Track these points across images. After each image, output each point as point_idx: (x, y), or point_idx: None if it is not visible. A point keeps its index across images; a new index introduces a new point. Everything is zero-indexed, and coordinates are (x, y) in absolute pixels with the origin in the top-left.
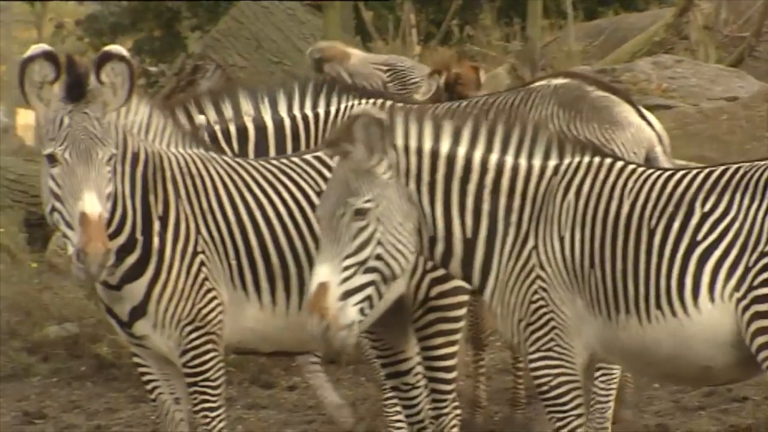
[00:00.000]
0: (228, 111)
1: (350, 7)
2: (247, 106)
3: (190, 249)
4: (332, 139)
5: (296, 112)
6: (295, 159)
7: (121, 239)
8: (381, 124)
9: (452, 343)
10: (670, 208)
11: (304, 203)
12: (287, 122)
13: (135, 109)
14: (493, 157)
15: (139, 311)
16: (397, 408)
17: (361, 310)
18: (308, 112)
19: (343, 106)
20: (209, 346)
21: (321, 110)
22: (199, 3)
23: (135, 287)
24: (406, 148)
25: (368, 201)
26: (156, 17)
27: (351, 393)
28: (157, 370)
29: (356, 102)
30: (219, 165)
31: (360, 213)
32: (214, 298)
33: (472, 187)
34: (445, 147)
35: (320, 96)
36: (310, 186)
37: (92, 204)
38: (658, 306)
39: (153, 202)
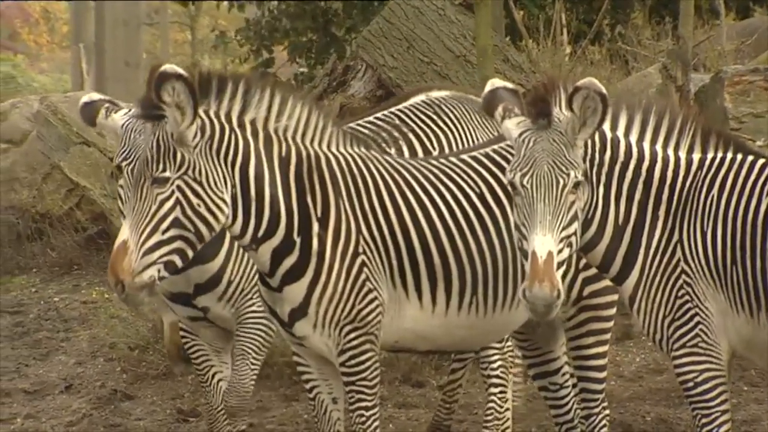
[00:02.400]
0: None
1: (501, 6)
2: None
3: (350, 250)
4: (543, 106)
5: None
6: (456, 159)
7: (275, 241)
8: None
9: (603, 343)
10: None
11: (466, 204)
12: None
13: (290, 112)
14: (647, 146)
15: (299, 312)
16: None
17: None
18: None
19: None
20: (367, 347)
21: None
22: (353, 4)
23: (295, 289)
24: None
25: (582, 175)
26: (312, 20)
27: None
28: (317, 369)
29: None
30: (381, 164)
31: (577, 186)
32: (375, 299)
33: (629, 174)
34: (608, 130)
35: None
36: (471, 187)
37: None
38: None
39: (311, 203)
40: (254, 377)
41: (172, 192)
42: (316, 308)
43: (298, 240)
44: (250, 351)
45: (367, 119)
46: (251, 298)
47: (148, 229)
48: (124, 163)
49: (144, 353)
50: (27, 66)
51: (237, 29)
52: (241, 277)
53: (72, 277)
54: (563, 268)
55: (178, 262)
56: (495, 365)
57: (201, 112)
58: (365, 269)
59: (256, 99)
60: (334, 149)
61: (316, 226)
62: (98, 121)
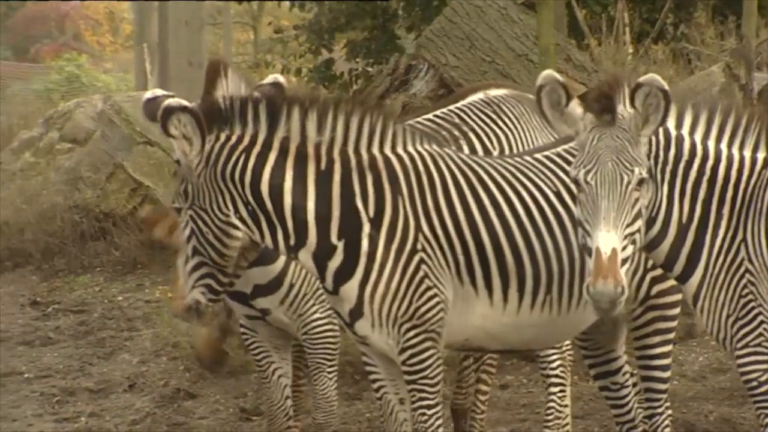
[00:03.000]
0: None
1: (563, 5)
2: None
3: (407, 248)
4: (608, 102)
5: None
6: (533, 157)
7: (311, 247)
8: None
9: (668, 342)
10: None
11: (543, 202)
12: None
13: (332, 125)
14: (711, 144)
15: (356, 312)
16: None
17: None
18: None
19: None
20: (427, 344)
21: None
22: (413, 2)
23: (348, 289)
24: None
25: (646, 172)
26: (372, 18)
27: None
28: (383, 369)
29: None
30: (453, 162)
31: (640, 183)
32: (434, 296)
33: (693, 172)
34: (673, 128)
35: None
36: (548, 185)
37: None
38: None
39: (361, 206)
40: (335, 387)
41: (187, 222)
42: (371, 307)
43: (339, 243)
44: (323, 362)
45: (425, 117)
46: (314, 305)
47: (185, 257)
48: None
49: None
50: (91, 66)
51: (294, 26)
52: (303, 282)
53: (135, 276)
54: (627, 265)
55: (216, 285)
56: (554, 365)
57: (210, 138)
58: (423, 266)
59: (283, 119)
60: (399, 149)
61: (367, 227)
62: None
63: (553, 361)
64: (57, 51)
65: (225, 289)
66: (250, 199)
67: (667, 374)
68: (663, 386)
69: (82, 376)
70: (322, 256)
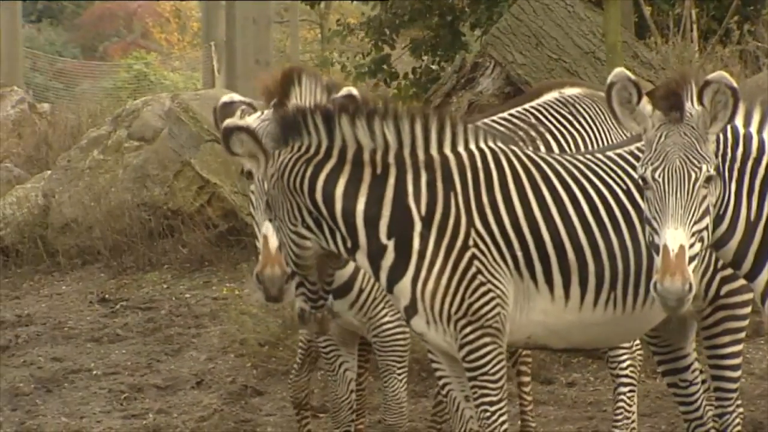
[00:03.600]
0: None
1: (631, 3)
2: None
3: (458, 244)
4: (676, 99)
5: None
6: (603, 155)
7: (364, 248)
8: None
9: (738, 342)
10: None
11: (611, 199)
12: None
13: (380, 131)
14: None
15: (411, 309)
16: None
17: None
18: None
19: None
20: (486, 340)
21: None
22: (478, 0)
23: (401, 287)
24: None
25: (714, 170)
26: (439, 15)
27: None
28: (448, 366)
29: None
30: (516, 158)
31: (708, 180)
32: (488, 291)
33: (761, 170)
34: (741, 125)
35: None
36: (617, 183)
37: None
38: None
39: (413, 205)
40: (404, 389)
41: (278, 235)
42: (423, 304)
43: (389, 243)
44: (393, 364)
45: (501, 116)
46: (383, 308)
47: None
48: None
49: (274, 349)
50: (159, 64)
51: (360, 22)
52: (373, 286)
53: (203, 273)
54: (695, 262)
55: (309, 293)
56: (624, 364)
57: (284, 150)
58: (476, 262)
59: (338, 129)
60: (460, 148)
61: (419, 226)
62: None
63: (623, 360)
64: (125, 49)
65: (320, 296)
66: (311, 206)
67: (737, 373)
68: (733, 385)
69: (149, 373)
70: (374, 256)
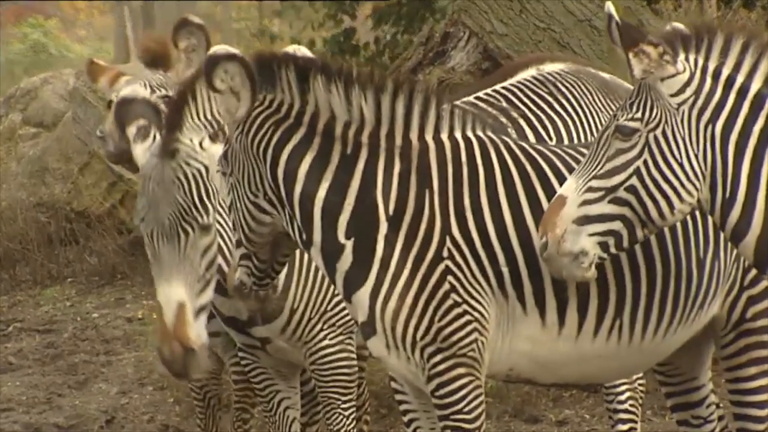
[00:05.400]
0: None
1: None
2: None
3: (429, 254)
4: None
5: None
6: None
7: (318, 243)
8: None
9: (766, 374)
10: None
11: None
12: None
13: (359, 105)
14: None
15: (368, 327)
16: None
17: (601, 245)
18: None
19: None
20: (459, 371)
21: None
22: None
23: (359, 298)
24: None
25: (637, 119)
26: None
27: None
28: (415, 399)
29: None
30: (507, 152)
31: (622, 131)
32: (463, 314)
33: None
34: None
35: None
36: None
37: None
38: None
39: (380, 200)
40: (353, 426)
41: (229, 191)
42: (382, 324)
43: (347, 242)
44: (336, 397)
45: (466, 100)
46: (321, 329)
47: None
48: None
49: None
50: (60, 33)
51: None
52: (307, 304)
53: (114, 288)
54: (613, 224)
55: (254, 270)
56: (623, 398)
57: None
58: (450, 277)
59: (312, 90)
60: (443, 135)
61: (384, 227)
62: None
63: (622, 393)
64: (19, 14)
65: (267, 275)
66: (270, 181)
67: (764, 412)
68: (761, 426)
69: (49, 410)
70: (330, 255)
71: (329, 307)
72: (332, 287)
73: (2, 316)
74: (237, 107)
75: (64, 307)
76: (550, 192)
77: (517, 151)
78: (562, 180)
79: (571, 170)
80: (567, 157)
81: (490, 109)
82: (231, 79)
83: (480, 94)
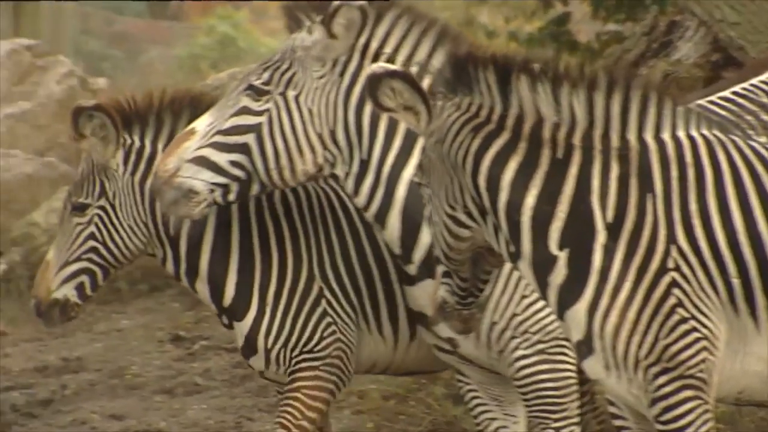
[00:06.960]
0: None
1: None
2: None
3: (653, 265)
4: None
5: None
6: None
7: (527, 256)
8: None
9: None
10: None
11: None
12: None
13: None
14: None
15: (585, 347)
16: None
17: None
18: None
19: None
20: (686, 394)
21: None
22: None
23: (574, 315)
24: None
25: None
26: None
27: None
28: (635, 425)
29: None
30: (737, 153)
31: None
32: (692, 330)
33: None
34: None
35: None
36: None
37: None
38: None
39: (597, 207)
40: None
41: (428, 207)
42: (601, 342)
43: (561, 254)
44: (543, 416)
45: (720, 95)
46: (512, 337)
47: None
48: None
49: (403, 404)
50: (251, 25)
51: None
52: (504, 310)
53: None
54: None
55: (455, 288)
56: None
57: (441, 105)
58: (676, 290)
59: (515, 91)
60: (665, 135)
61: (602, 236)
62: None
63: None
64: (206, 6)
65: (468, 295)
66: (473, 190)
67: None
68: None
69: None
70: (542, 268)
71: (518, 310)
72: (519, 287)
73: (187, 333)
74: (417, 120)
75: None
76: None
77: (747, 151)
78: None
79: None
80: None
81: (750, 105)
82: (400, 96)
83: (736, 89)
